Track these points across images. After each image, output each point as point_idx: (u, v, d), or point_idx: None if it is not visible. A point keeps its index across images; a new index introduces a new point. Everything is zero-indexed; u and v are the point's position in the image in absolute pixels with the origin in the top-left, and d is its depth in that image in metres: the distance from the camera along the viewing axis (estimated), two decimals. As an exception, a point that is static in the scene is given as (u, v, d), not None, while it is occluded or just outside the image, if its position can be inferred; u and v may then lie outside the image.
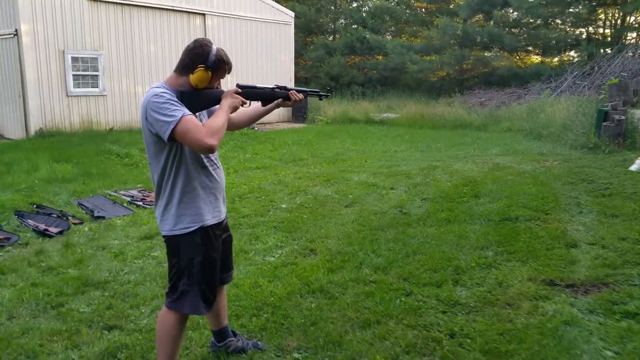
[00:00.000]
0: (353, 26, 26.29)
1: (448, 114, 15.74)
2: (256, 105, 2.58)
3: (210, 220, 2.31)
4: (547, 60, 22.24)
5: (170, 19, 13.85)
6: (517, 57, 23.24)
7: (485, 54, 22.56)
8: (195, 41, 2.23)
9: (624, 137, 9.56)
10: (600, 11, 21.22)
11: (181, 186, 2.23)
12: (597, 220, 5.23)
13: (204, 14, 14.56)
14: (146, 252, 4.44)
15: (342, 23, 28.00)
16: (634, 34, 21.11)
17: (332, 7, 28.17)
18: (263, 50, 16.30)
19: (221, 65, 2.24)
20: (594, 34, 21.90)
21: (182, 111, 2.07)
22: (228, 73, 2.32)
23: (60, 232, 5.03)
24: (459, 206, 5.84)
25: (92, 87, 12.40)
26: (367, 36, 23.51)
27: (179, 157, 2.21)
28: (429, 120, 15.58)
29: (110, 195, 6.62)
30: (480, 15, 22.96)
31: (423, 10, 26.10)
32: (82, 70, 12.14)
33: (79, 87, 12.12)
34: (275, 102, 2.56)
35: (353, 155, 10.02)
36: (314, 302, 3.37)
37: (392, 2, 26.24)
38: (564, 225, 5.09)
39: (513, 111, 14.69)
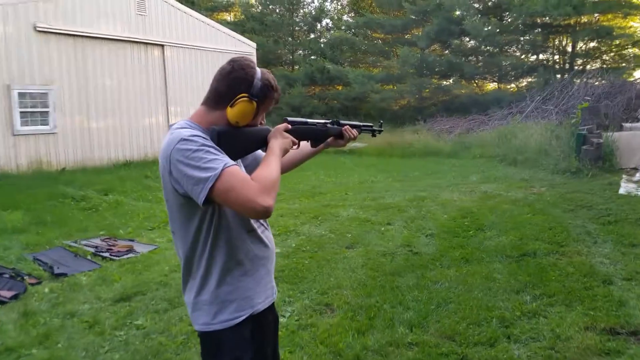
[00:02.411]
0: (312, 57, 26.23)
1: (417, 141, 15.59)
2: (304, 145, 1.95)
3: (261, 304, 1.67)
4: (504, 86, 22.80)
5: (127, 51, 13.06)
6: (475, 84, 23.73)
7: (444, 82, 22.90)
8: (233, 62, 1.60)
9: (603, 160, 9.55)
10: (552, 38, 22.05)
11: (222, 261, 1.58)
12: (617, 251, 4.90)
13: (162, 45, 13.86)
14: (127, 320, 3.66)
15: (300, 54, 27.92)
16: (582, 60, 22.04)
17: (290, 39, 28.08)
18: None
19: (269, 93, 1.63)
20: (547, 60, 22.68)
21: (222, 161, 1.45)
22: (276, 103, 1.70)
23: (15, 297, 4.16)
24: (469, 242, 5.38)
25: (41, 124, 11.33)
26: (328, 66, 23.45)
27: (218, 221, 1.57)
28: (398, 149, 15.37)
29: (70, 246, 5.74)
30: (437, 45, 23.40)
31: (380, 41, 26.40)
32: (31, 107, 11.08)
33: (27, 125, 11.03)
34: (326, 141, 1.96)
35: (331, 188, 9.49)
36: (354, 379, 2.73)
37: (349, 33, 26.40)
38: (586, 258, 4.71)
39: (482, 137, 14.69)
